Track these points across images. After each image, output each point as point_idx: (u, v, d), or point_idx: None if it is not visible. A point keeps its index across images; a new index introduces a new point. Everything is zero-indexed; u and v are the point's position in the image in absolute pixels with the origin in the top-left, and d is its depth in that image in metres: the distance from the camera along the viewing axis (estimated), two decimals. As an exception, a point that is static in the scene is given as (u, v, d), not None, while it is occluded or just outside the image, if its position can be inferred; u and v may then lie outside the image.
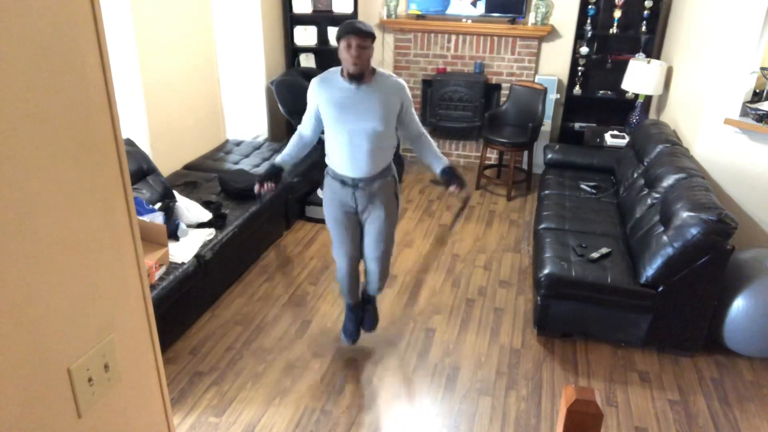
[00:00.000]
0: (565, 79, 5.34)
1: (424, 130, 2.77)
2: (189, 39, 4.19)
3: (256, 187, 2.74)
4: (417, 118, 2.75)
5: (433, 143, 2.79)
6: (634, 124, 4.76)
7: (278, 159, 2.79)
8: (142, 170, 3.49)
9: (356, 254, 2.89)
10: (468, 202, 2.71)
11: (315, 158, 2.88)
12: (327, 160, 2.74)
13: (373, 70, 2.56)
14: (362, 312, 3.11)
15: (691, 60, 4.09)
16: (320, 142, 2.80)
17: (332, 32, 5.36)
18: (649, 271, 2.93)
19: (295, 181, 4.20)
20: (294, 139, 2.80)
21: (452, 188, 2.70)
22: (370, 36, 2.44)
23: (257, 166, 4.31)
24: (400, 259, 4.00)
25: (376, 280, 2.96)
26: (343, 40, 2.43)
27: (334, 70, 2.59)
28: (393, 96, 2.57)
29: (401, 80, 2.63)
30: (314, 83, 2.61)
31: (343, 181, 2.69)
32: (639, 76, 4.55)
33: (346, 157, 2.60)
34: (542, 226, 3.63)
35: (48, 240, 0.89)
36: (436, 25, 5.31)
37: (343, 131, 2.56)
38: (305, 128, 2.75)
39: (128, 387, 1.12)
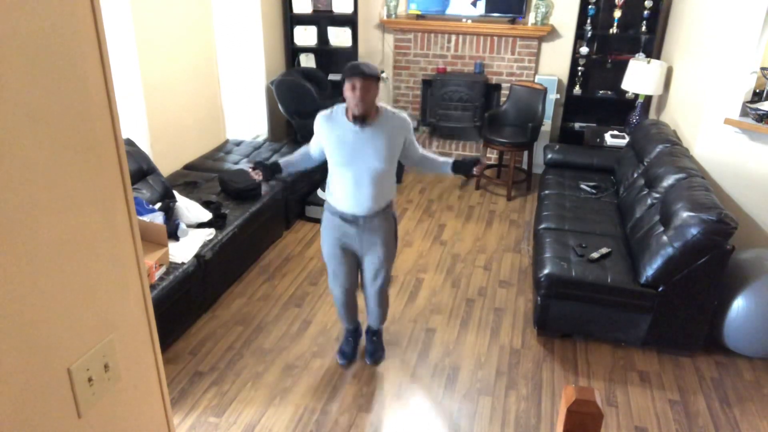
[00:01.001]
0: (565, 79, 5.34)
1: (423, 151, 2.78)
2: (189, 39, 4.19)
3: (250, 170, 2.76)
4: (417, 144, 2.76)
5: (432, 154, 2.81)
6: (634, 124, 4.75)
7: (281, 159, 2.79)
8: (142, 170, 3.49)
9: (351, 286, 2.90)
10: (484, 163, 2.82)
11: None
12: (327, 196, 2.73)
13: (377, 109, 2.55)
14: (368, 344, 3.10)
15: (691, 60, 4.09)
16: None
17: (332, 32, 5.36)
18: (649, 271, 2.93)
19: (289, 180, 4.19)
20: (302, 150, 2.80)
21: (475, 170, 2.72)
22: (374, 78, 2.43)
23: (257, 166, 4.31)
24: (400, 259, 4.00)
25: (375, 310, 2.96)
26: (347, 82, 2.43)
27: (340, 108, 2.58)
28: (398, 135, 2.59)
29: (405, 116, 2.63)
30: (321, 120, 2.61)
31: (342, 217, 2.68)
32: (639, 76, 4.55)
33: (349, 194, 2.60)
34: (542, 226, 3.63)
35: (48, 240, 0.89)
36: (436, 25, 5.30)
37: (346, 171, 2.57)
38: (313, 150, 2.76)
39: (128, 387, 1.12)
